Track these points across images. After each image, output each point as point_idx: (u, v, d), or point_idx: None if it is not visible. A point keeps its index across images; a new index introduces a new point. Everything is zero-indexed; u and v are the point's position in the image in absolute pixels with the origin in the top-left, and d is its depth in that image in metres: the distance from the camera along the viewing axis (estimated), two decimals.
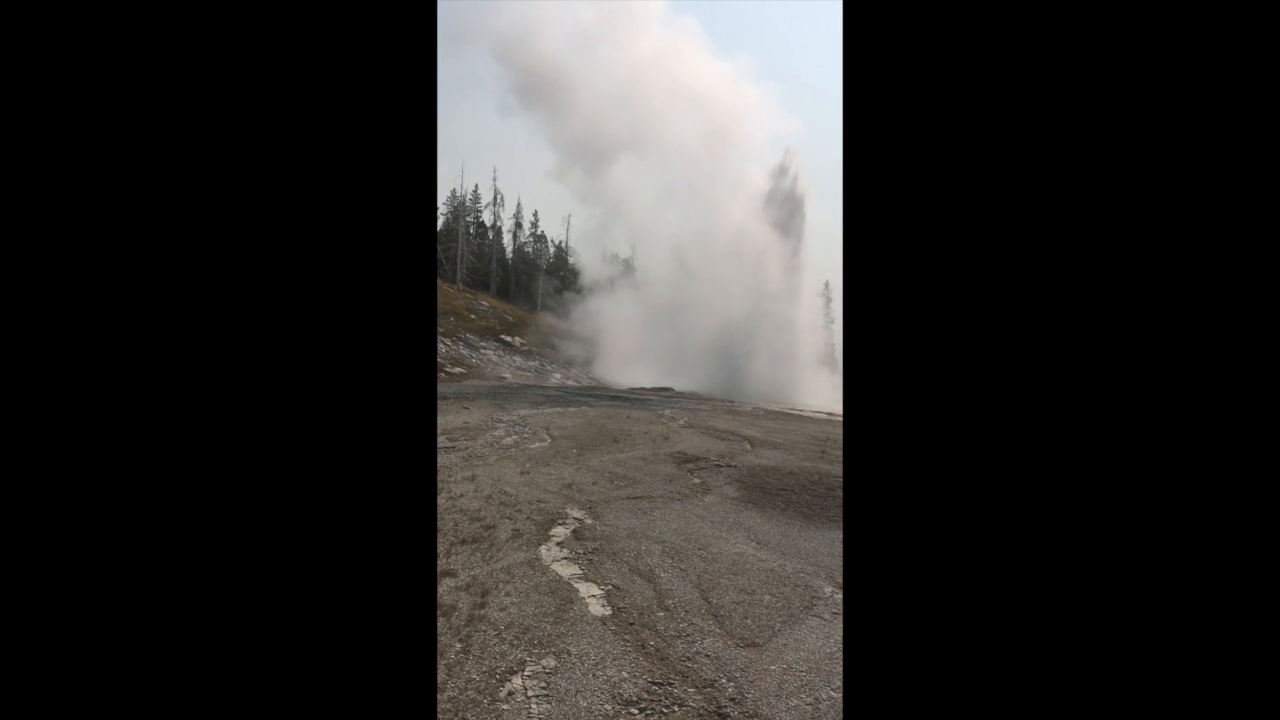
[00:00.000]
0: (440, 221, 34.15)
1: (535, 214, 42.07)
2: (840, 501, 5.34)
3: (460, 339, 23.92)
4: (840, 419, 13.30)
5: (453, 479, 5.43)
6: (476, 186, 38.41)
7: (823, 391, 21.62)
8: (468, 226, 36.13)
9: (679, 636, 2.73)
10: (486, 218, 38.67)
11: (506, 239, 39.58)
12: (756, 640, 2.75)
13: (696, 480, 5.95)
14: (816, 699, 2.31)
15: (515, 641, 2.59)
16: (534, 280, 35.26)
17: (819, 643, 2.76)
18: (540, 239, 40.62)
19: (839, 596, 3.28)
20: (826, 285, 44.02)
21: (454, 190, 36.31)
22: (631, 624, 2.83)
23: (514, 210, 40.78)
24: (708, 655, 2.59)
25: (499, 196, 39.54)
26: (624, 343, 24.15)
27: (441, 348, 21.26)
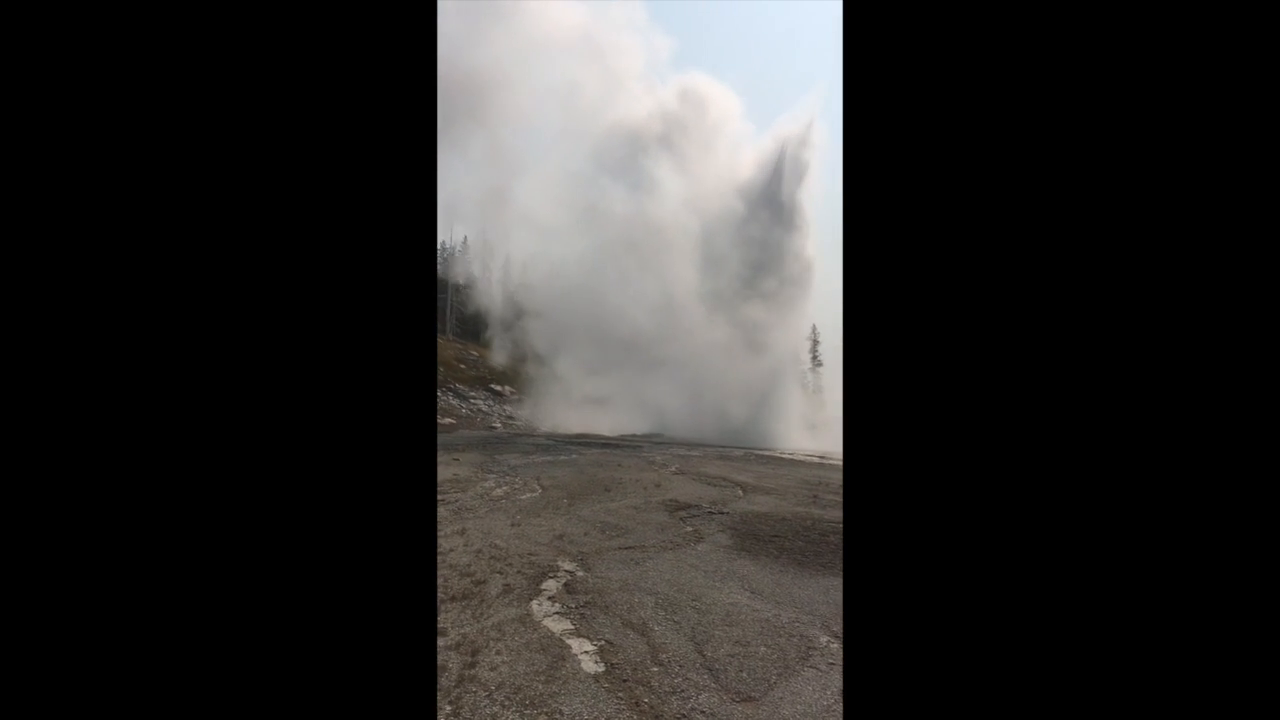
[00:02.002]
0: None
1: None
2: (833, 547, 5.30)
3: (450, 389, 23.81)
4: (831, 463, 13.27)
5: (442, 533, 5.34)
6: (466, 238, 38.77)
7: (824, 429, 21.67)
8: (456, 278, 36.48)
9: (673, 693, 2.68)
10: (476, 269, 39.15)
11: (496, 289, 39.91)
12: (752, 694, 2.70)
13: (689, 528, 5.89)
14: None
15: (506, 702, 2.53)
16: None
17: (815, 694, 2.71)
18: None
19: (835, 646, 3.24)
20: (814, 328, 44.67)
21: (443, 242, 36.84)
22: (625, 680, 2.77)
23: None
24: (703, 712, 2.54)
25: (487, 246, 40.13)
26: (610, 390, 23.86)
27: None
